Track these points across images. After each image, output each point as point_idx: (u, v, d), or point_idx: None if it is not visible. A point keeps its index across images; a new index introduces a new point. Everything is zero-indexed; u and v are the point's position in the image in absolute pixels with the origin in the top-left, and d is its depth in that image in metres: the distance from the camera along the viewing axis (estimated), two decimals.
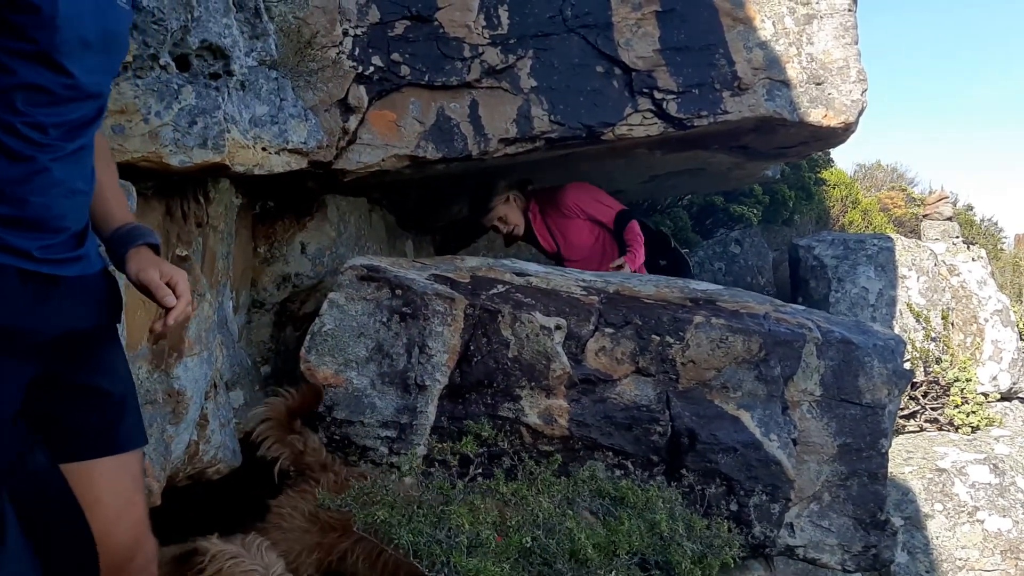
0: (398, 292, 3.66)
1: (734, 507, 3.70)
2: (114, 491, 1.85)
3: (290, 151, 3.28)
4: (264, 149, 3.10)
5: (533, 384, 3.63)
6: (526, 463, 2.20)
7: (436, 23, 4.01)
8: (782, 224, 9.14)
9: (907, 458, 5.99)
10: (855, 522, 4.00)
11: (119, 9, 1.77)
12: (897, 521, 4.37)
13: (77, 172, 1.77)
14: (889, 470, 4.24)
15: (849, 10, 4.58)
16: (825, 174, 9.95)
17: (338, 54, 3.78)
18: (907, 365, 4.50)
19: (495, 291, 3.83)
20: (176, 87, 2.67)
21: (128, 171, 2.62)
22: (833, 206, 10.15)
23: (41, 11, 1.56)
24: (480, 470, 2.18)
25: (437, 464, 2.04)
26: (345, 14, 3.81)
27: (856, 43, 4.60)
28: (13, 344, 1.63)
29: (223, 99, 2.79)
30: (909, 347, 6.17)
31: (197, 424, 3.18)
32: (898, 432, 6.19)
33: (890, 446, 4.20)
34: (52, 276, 1.71)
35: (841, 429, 3.96)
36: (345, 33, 3.81)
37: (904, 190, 14.18)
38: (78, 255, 1.79)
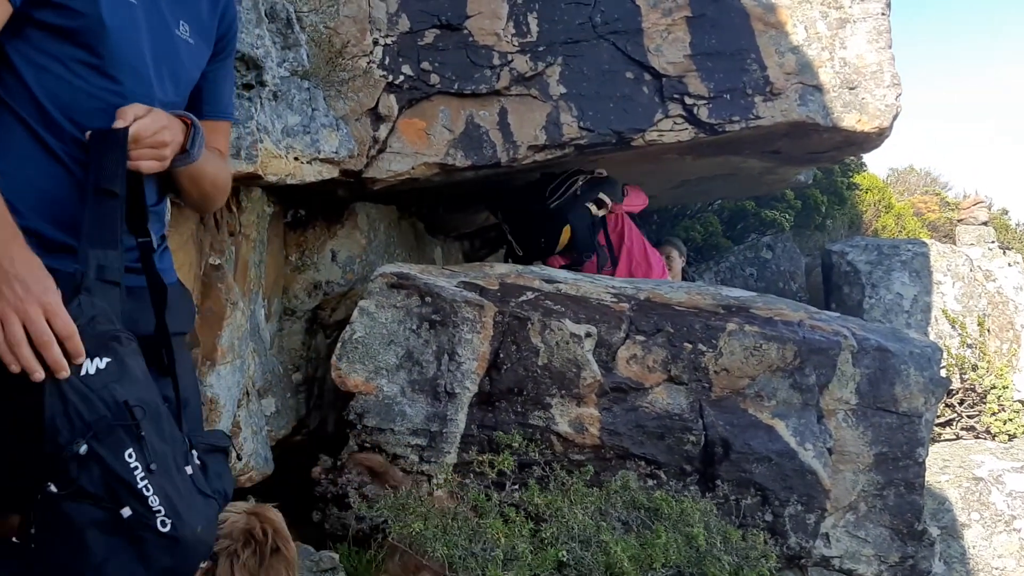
0: (427, 299, 3.66)
1: (769, 517, 3.66)
2: None
3: (322, 160, 3.29)
4: (296, 159, 3.11)
5: (563, 392, 3.61)
6: (558, 473, 2.18)
7: (466, 31, 4.01)
8: (814, 229, 9.04)
9: (943, 467, 5.91)
10: (892, 532, 3.94)
11: (177, 39, 1.77)
12: (934, 531, 4.29)
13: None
14: (926, 479, 4.18)
15: (883, 14, 4.53)
16: (858, 178, 9.84)
17: (368, 63, 3.79)
18: (943, 372, 4.43)
19: (524, 298, 3.82)
20: None
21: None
22: (866, 211, 10.03)
23: (86, 16, 1.57)
24: (515, 485, 2.16)
25: (472, 476, 2.02)
26: (375, 23, 3.82)
27: (890, 47, 4.54)
28: None
29: (256, 109, 2.81)
30: (945, 354, 6.08)
31: (229, 431, 3.19)
32: (934, 440, 6.10)
33: (927, 455, 4.13)
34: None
35: (877, 438, 3.91)
36: (375, 42, 3.82)
37: (938, 194, 14.02)
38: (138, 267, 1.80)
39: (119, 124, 1.53)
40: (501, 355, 3.62)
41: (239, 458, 3.23)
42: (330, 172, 3.42)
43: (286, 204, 4.09)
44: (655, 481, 3.55)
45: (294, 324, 4.21)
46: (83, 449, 1.36)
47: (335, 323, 4.28)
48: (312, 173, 3.26)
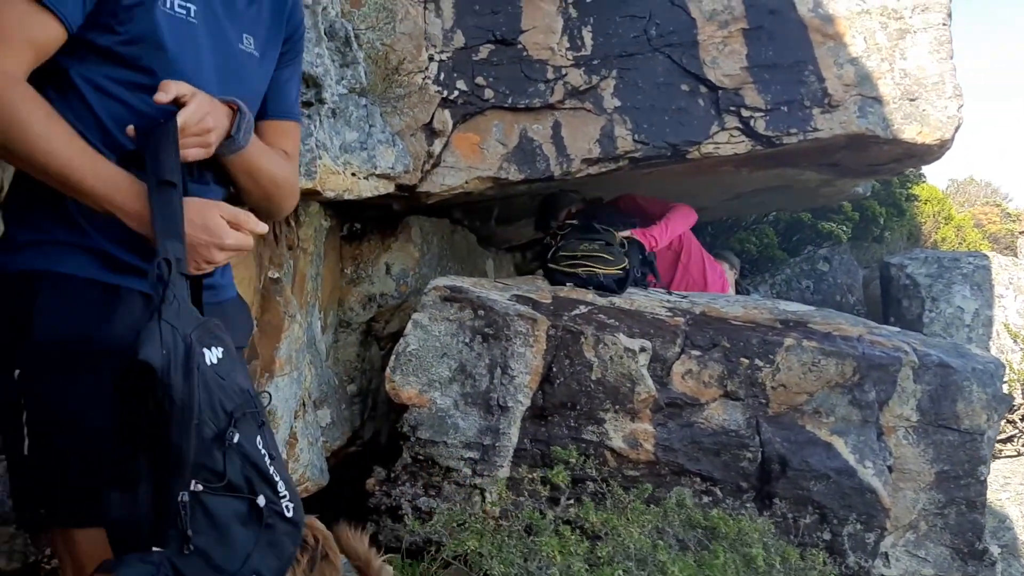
0: (480, 312, 3.67)
1: (827, 536, 3.59)
2: None
3: (378, 176, 3.32)
4: (353, 175, 3.15)
5: (617, 407, 3.59)
6: (614, 491, 2.16)
7: (520, 46, 4.03)
8: (872, 241, 8.88)
9: (1004, 484, 5.76)
10: (952, 551, 3.85)
11: (242, 54, 1.78)
12: (995, 549, 4.17)
13: None
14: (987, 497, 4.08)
15: (944, 24, 4.44)
16: (917, 189, 9.64)
17: (424, 79, 3.82)
18: (1005, 388, 4.32)
19: (577, 312, 3.81)
20: None
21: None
22: (925, 222, 9.83)
23: (145, 40, 1.59)
24: (569, 502, 2.15)
25: (526, 493, 2.02)
26: (431, 40, 3.86)
27: (951, 58, 4.44)
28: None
29: (315, 127, 2.85)
30: (1007, 369, 5.92)
31: (287, 443, 3.23)
32: (995, 457, 5.94)
33: (989, 473, 4.03)
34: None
35: (938, 456, 3.83)
36: (431, 58, 3.86)
37: (999, 205, 13.72)
38: (207, 284, 1.81)
39: (161, 97, 1.52)
40: (554, 369, 3.62)
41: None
42: (386, 187, 3.45)
43: (342, 218, 4.14)
44: (711, 498, 3.51)
45: (349, 336, 4.26)
46: (236, 438, 1.36)
47: (389, 335, 4.32)
48: (369, 188, 3.29)
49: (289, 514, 1.42)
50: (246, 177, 1.75)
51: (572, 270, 4.17)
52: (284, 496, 1.41)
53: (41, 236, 1.61)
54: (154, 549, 1.33)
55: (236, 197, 1.80)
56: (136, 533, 1.36)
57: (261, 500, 1.39)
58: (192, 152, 1.58)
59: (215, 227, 1.58)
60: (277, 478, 1.41)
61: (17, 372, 1.57)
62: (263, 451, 1.41)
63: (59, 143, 1.49)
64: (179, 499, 1.32)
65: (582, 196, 4.90)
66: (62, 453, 1.57)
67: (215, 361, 1.41)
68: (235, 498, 1.37)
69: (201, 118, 1.56)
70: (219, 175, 1.75)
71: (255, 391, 1.46)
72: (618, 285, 4.12)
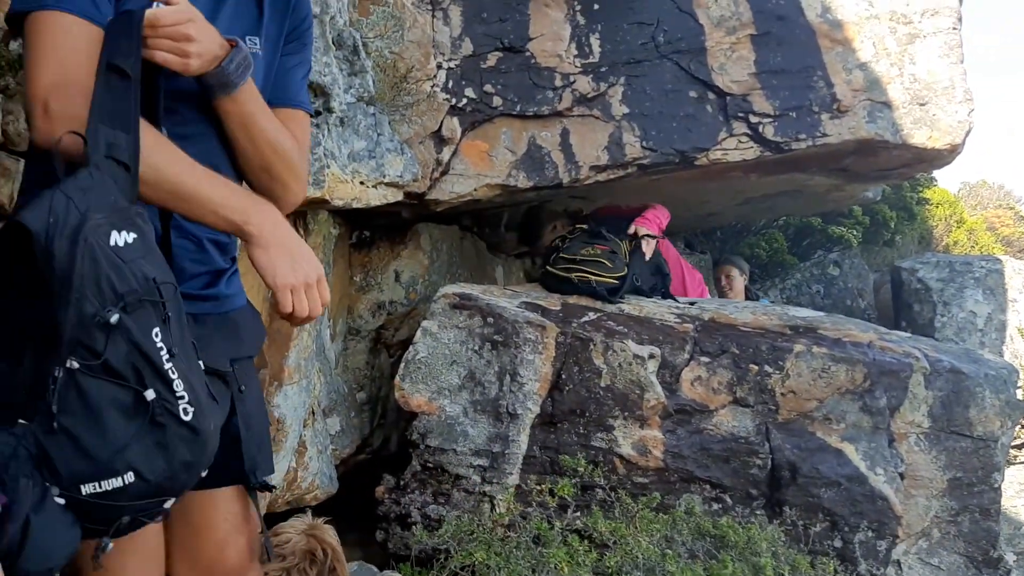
0: (490, 320, 3.67)
1: (838, 544, 3.57)
2: (225, 518, 1.87)
3: (387, 184, 3.33)
4: (362, 183, 3.15)
5: (626, 414, 3.59)
6: (623, 499, 2.16)
7: (528, 54, 4.04)
8: (883, 245, 8.84)
9: (1019, 491, 5.71)
10: (966, 560, 3.83)
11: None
12: (1010, 557, 4.14)
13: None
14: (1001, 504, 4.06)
15: (954, 28, 4.43)
16: (928, 193, 9.59)
17: (432, 87, 3.83)
18: (1019, 394, 4.29)
19: (586, 319, 3.81)
20: None
21: None
22: (936, 226, 9.78)
23: None
24: (577, 511, 2.15)
25: (534, 503, 2.02)
26: (439, 48, 3.87)
27: (962, 62, 4.43)
28: None
29: (323, 136, 2.86)
30: (1021, 374, 5.88)
31: (296, 451, 3.24)
32: (1009, 463, 5.89)
33: (1003, 480, 4.00)
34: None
35: (951, 462, 3.80)
36: (439, 66, 3.87)
37: (1012, 208, 13.64)
38: (210, 295, 1.83)
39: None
40: (563, 376, 3.62)
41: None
42: (395, 195, 3.46)
43: (351, 225, 4.15)
44: (720, 505, 3.50)
45: (358, 344, 4.26)
46: (114, 318, 1.29)
47: (398, 343, 4.32)
48: (377, 197, 3.30)
49: (186, 417, 1.34)
50: (242, 132, 1.70)
51: (567, 275, 4.11)
52: (182, 397, 1.34)
53: None
54: (20, 422, 1.29)
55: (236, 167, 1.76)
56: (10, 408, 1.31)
57: (150, 394, 1.31)
58: (161, 55, 1.50)
59: None
60: (175, 376, 1.33)
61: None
62: (161, 345, 1.34)
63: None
64: (53, 374, 1.27)
65: (565, 208, 4.88)
66: None
67: (122, 244, 1.35)
68: (115, 384, 1.30)
69: (178, 21, 1.50)
70: (210, 126, 1.70)
71: (173, 287, 1.40)
72: (610, 293, 4.04)
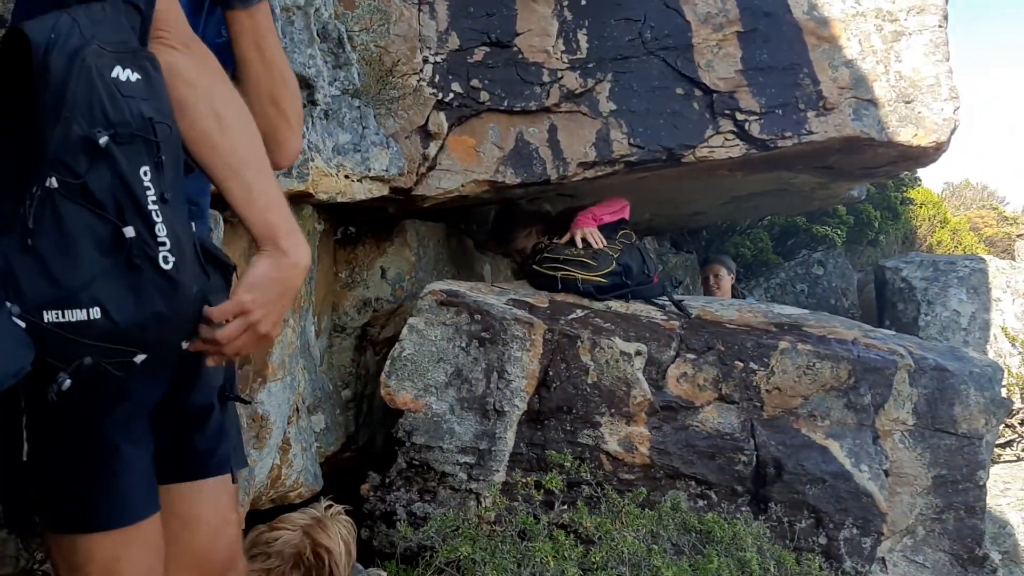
0: (477, 317, 3.66)
1: (823, 541, 3.58)
2: (214, 510, 1.87)
3: (372, 178, 3.31)
4: (347, 177, 3.13)
5: (613, 411, 3.58)
6: (609, 495, 2.15)
7: (515, 49, 4.02)
8: (867, 245, 8.88)
9: (1004, 489, 5.74)
10: (951, 557, 3.84)
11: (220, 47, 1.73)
12: (995, 556, 4.16)
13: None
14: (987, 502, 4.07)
15: (939, 26, 4.44)
16: (912, 193, 9.65)
17: (418, 81, 3.81)
18: (1004, 392, 4.31)
19: (574, 316, 3.80)
20: None
21: (215, 200, 2.67)
22: (920, 226, 9.84)
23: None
24: (564, 506, 2.14)
25: (520, 498, 2.00)
26: (425, 42, 3.85)
27: (947, 60, 4.44)
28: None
29: (307, 128, 2.83)
30: (1005, 373, 5.91)
31: (280, 448, 3.21)
32: (994, 462, 5.93)
33: (988, 478, 4.02)
34: None
35: (936, 460, 3.81)
36: (425, 60, 3.85)
37: (995, 208, 13.73)
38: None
39: None
40: (550, 373, 3.60)
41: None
42: (380, 190, 3.44)
43: (336, 221, 4.12)
44: (705, 502, 3.49)
45: (344, 341, 4.24)
46: (103, 141, 1.25)
47: (384, 340, 4.30)
48: (362, 191, 3.28)
49: (165, 266, 1.30)
50: (255, 53, 1.68)
51: (552, 273, 4.09)
52: (163, 244, 1.29)
53: None
54: None
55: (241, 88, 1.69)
56: None
57: (129, 231, 1.27)
58: None
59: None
60: (158, 220, 1.29)
61: None
62: (149, 185, 1.29)
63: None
64: (31, 190, 1.24)
65: (537, 209, 4.77)
66: (66, 460, 1.54)
67: (123, 79, 1.30)
68: (93, 213, 1.27)
69: None
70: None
71: (169, 129, 1.35)
72: (598, 291, 4.01)
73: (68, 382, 1.30)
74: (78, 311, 1.26)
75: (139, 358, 1.34)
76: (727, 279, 5.90)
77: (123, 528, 1.58)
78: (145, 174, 1.30)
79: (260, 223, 1.46)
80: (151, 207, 1.29)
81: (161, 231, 1.29)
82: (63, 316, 1.26)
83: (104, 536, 1.56)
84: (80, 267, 1.26)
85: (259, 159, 1.46)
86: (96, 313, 1.27)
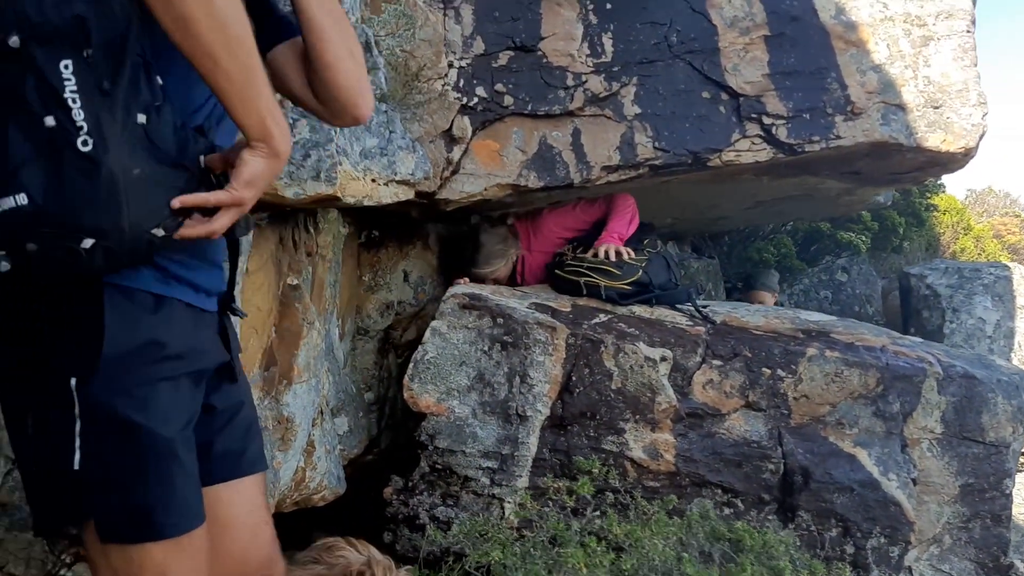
0: (499, 321, 3.65)
1: (850, 549, 3.54)
2: (249, 511, 1.89)
3: (398, 182, 3.30)
4: (374, 181, 3.12)
5: (637, 417, 3.55)
6: (638, 502, 2.13)
7: (539, 53, 4.01)
8: (891, 252, 8.80)
9: None
10: (977, 566, 3.80)
11: None
12: (1020, 565, 4.11)
13: None
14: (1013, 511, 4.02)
15: (968, 31, 4.39)
16: (936, 200, 9.56)
17: (444, 86, 3.80)
18: None
19: (597, 320, 3.78)
20: (291, 121, 2.72)
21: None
22: (943, 233, 9.75)
23: None
24: (596, 511, 2.12)
25: (551, 503, 1.99)
26: (451, 46, 3.85)
27: (975, 65, 4.39)
28: (190, 368, 1.68)
29: (335, 132, 2.83)
30: None
31: (304, 451, 3.21)
32: (1019, 471, 5.85)
33: (1014, 487, 3.97)
34: (203, 310, 1.75)
35: (963, 468, 3.77)
36: (450, 65, 3.84)
37: (1018, 216, 13.60)
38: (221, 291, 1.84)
39: None
40: (573, 378, 3.58)
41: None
42: (406, 194, 3.43)
43: (360, 225, 4.12)
44: (732, 510, 3.46)
45: (367, 344, 4.23)
46: (12, 41, 1.33)
47: (407, 343, 4.29)
48: (389, 195, 3.27)
49: (84, 148, 1.36)
50: (321, 9, 1.71)
51: (576, 279, 4.07)
52: (81, 128, 1.35)
53: None
54: None
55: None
56: None
57: (49, 120, 1.35)
58: None
59: None
60: (75, 106, 1.36)
61: (74, 380, 1.54)
62: (69, 77, 1.36)
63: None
64: None
65: (506, 229, 4.53)
66: (124, 467, 1.55)
67: None
68: (15, 105, 1.35)
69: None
70: None
71: (112, 29, 1.40)
72: (621, 297, 3.98)
73: (6, 265, 1.39)
74: (6, 199, 1.35)
75: (87, 243, 1.39)
76: (771, 300, 5.82)
77: (176, 538, 1.58)
78: (66, 67, 1.36)
79: (257, 125, 1.50)
80: (67, 95, 1.35)
81: (78, 116, 1.36)
82: None
83: (157, 546, 1.57)
84: (7, 159, 1.35)
85: (253, 62, 1.48)
86: (23, 199, 1.35)
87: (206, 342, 1.75)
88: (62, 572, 2.47)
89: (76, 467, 1.53)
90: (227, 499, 1.83)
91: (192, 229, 1.52)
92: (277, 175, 1.59)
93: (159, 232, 1.48)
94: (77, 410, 1.53)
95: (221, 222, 1.55)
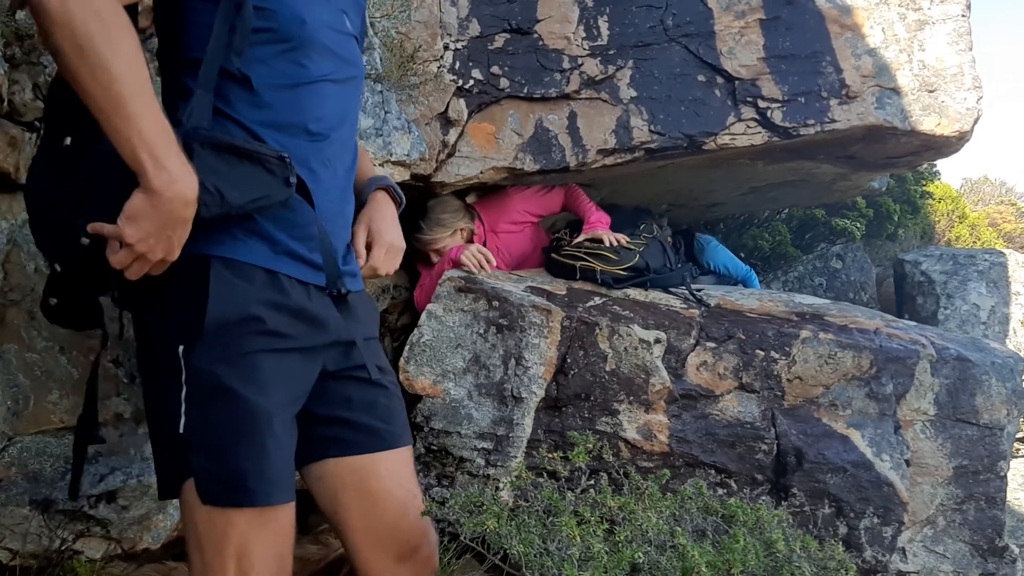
0: (495, 303, 3.65)
1: (843, 530, 3.56)
2: (399, 483, 1.93)
3: (393, 163, 3.31)
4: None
5: (632, 399, 3.57)
6: (632, 477, 2.15)
7: (536, 35, 4.01)
8: (886, 239, 8.82)
9: (1023, 483, 5.70)
10: (971, 548, 3.81)
11: (348, 33, 1.95)
12: (1015, 548, 4.14)
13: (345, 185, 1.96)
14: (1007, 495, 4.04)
15: (963, 15, 4.40)
16: (931, 187, 9.58)
17: (439, 68, 3.81)
18: None
19: (592, 303, 3.79)
20: None
21: None
22: (938, 221, 9.77)
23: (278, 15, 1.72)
24: (592, 481, 2.14)
25: (545, 474, 2.01)
26: (446, 28, 3.85)
27: (970, 49, 4.40)
28: (299, 344, 1.75)
29: None
30: None
31: None
32: (1014, 455, 5.88)
33: (1008, 469, 3.99)
34: (319, 287, 1.83)
35: (957, 450, 3.78)
36: (446, 47, 3.84)
37: (1014, 204, 13.62)
38: (348, 271, 1.90)
39: None
40: (568, 360, 3.60)
41: None
42: (401, 175, 3.44)
43: None
44: (725, 490, 3.49)
45: None
46: None
47: (402, 327, 4.31)
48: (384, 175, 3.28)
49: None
50: None
51: (571, 263, 4.08)
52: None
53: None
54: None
55: None
56: None
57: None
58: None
59: None
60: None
61: (181, 348, 1.61)
62: None
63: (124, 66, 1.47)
64: None
65: (462, 212, 4.33)
66: (221, 432, 1.62)
67: None
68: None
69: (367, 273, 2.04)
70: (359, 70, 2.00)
71: None
72: (616, 282, 4.00)
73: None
74: None
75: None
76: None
77: (262, 508, 1.63)
78: None
79: (128, 157, 1.47)
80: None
81: None
82: None
83: (243, 515, 1.62)
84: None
85: (121, 89, 1.46)
86: None
87: (319, 318, 1.80)
88: (61, 547, 2.48)
89: (181, 430, 1.61)
90: (375, 472, 1.89)
91: (110, 254, 1.54)
92: (172, 213, 1.49)
93: (85, 240, 1.55)
94: (183, 376, 1.60)
95: (116, 258, 1.53)
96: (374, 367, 1.93)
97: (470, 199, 4.29)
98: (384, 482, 1.89)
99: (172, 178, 1.47)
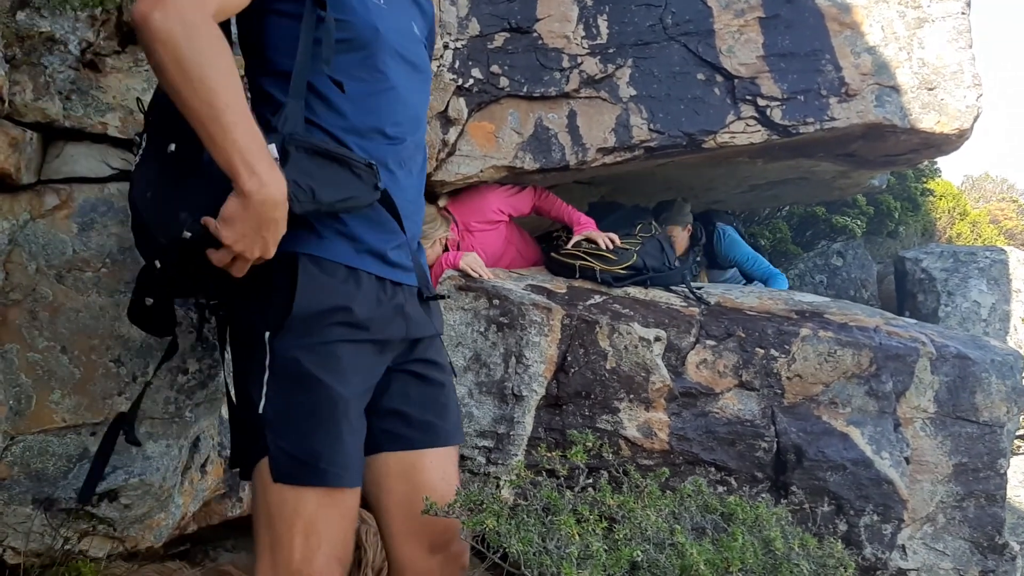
0: (495, 302, 3.66)
1: (843, 527, 3.57)
2: (442, 477, 2.04)
3: None
4: None
5: (632, 396, 3.58)
6: (631, 475, 2.16)
7: (535, 34, 4.01)
8: (886, 236, 8.82)
9: (1023, 480, 5.71)
10: (971, 545, 3.82)
11: (417, 39, 2.09)
12: (1014, 545, 4.14)
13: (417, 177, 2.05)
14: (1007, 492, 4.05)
15: (962, 13, 4.40)
16: (931, 184, 9.58)
17: (439, 67, 3.81)
18: None
19: (592, 301, 3.80)
20: None
21: None
22: (939, 218, 9.77)
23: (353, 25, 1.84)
24: (591, 480, 2.15)
25: (544, 473, 2.02)
26: (446, 27, 3.85)
27: (970, 47, 4.40)
28: (374, 336, 1.86)
29: None
30: None
31: None
32: (1013, 453, 5.89)
33: (1008, 466, 3.99)
34: (395, 283, 1.94)
35: (956, 448, 3.79)
36: (446, 46, 3.85)
37: (1015, 201, 13.62)
38: (415, 265, 2.04)
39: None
40: (569, 358, 3.61)
41: None
42: None
43: None
44: (725, 488, 3.50)
45: None
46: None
47: None
48: None
49: None
50: None
51: (571, 261, 4.10)
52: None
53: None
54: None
55: None
56: None
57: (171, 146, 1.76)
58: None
59: None
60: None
61: (267, 334, 1.73)
62: None
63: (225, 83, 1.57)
64: None
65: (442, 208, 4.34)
66: (299, 415, 1.73)
67: None
68: None
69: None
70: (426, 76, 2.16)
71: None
72: (615, 280, 4.02)
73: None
74: None
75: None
76: (682, 235, 5.60)
77: (332, 489, 1.74)
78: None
79: (224, 163, 1.57)
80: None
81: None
82: None
83: (314, 494, 1.72)
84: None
85: (219, 102, 1.56)
86: None
87: (393, 313, 1.91)
88: (64, 546, 2.49)
89: (260, 411, 1.73)
90: (424, 466, 1.99)
91: (211, 253, 1.67)
92: (265, 215, 1.60)
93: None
94: (267, 360, 1.73)
95: (215, 257, 1.65)
96: (436, 364, 2.05)
97: (442, 202, 4.29)
98: (428, 474, 1.99)
99: (263, 182, 1.57)
